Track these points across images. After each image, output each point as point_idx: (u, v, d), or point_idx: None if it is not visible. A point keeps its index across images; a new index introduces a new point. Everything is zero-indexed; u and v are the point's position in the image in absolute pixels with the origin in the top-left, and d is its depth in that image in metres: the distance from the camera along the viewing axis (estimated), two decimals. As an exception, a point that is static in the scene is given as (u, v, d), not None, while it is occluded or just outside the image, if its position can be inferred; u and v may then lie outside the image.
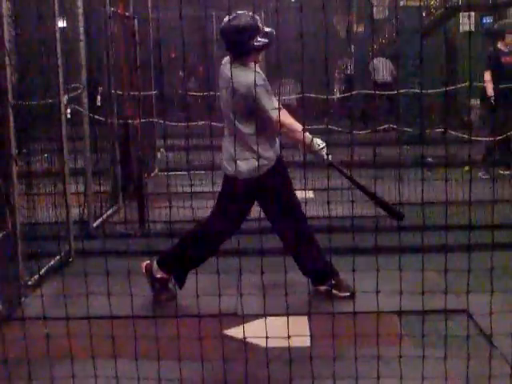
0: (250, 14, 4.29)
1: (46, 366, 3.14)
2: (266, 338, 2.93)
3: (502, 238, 5.10)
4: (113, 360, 3.03)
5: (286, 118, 4.23)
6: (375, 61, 13.17)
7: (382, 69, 13.18)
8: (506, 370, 3.26)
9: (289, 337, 2.90)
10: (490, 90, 8.29)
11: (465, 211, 3.10)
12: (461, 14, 11.98)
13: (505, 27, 8.89)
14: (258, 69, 4.11)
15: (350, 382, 3.00)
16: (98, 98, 7.19)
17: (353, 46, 14.61)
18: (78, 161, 6.08)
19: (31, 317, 3.73)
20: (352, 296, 4.13)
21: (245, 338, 3.11)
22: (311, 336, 3.80)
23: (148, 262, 4.60)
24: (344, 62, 14.88)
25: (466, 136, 6.44)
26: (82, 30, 6.16)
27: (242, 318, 3.42)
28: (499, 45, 8.61)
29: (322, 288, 4.61)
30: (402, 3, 11.25)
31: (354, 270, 2.88)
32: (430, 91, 7.56)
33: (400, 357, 2.90)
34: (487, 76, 8.35)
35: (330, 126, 5.86)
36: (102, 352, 3.15)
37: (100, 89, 7.16)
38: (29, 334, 3.15)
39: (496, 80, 8.17)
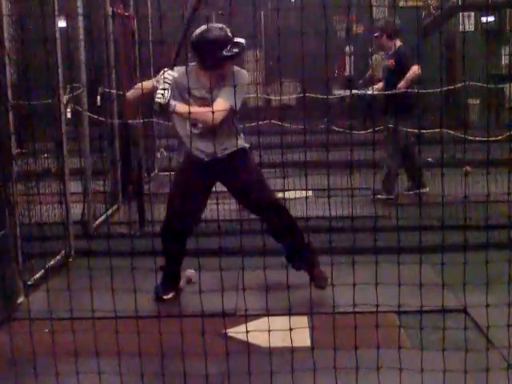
0: (220, 25, 4.41)
1: (46, 365, 3.15)
2: (269, 331, 2.96)
3: (497, 237, 5.07)
4: (115, 359, 3.04)
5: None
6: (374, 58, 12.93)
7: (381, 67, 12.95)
8: (503, 365, 3.27)
9: (291, 329, 2.92)
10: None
11: (463, 211, 3.11)
12: (460, 13, 11.99)
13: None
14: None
15: (350, 378, 3.01)
16: (98, 98, 7.17)
17: (352, 47, 14.58)
18: (78, 160, 6.07)
19: (31, 317, 3.73)
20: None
21: (247, 331, 3.13)
22: (311, 335, 3.81)
23: None
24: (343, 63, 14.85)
25: (462, 135, 6.43)
26: (81, 30, 6.17)
27: (245, 318, 3.42)
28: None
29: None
30: (401, 3, 11.24)
31: (353, 269, 2.90)
32: (426, 91, 7.54)
33: (399, 355, 2.92)
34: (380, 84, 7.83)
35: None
36: (104, 352, 3.16)
37: (100, 89, 7.15)
38: (29, 334, 3.15)
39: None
